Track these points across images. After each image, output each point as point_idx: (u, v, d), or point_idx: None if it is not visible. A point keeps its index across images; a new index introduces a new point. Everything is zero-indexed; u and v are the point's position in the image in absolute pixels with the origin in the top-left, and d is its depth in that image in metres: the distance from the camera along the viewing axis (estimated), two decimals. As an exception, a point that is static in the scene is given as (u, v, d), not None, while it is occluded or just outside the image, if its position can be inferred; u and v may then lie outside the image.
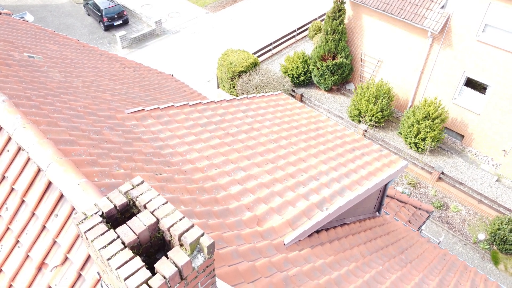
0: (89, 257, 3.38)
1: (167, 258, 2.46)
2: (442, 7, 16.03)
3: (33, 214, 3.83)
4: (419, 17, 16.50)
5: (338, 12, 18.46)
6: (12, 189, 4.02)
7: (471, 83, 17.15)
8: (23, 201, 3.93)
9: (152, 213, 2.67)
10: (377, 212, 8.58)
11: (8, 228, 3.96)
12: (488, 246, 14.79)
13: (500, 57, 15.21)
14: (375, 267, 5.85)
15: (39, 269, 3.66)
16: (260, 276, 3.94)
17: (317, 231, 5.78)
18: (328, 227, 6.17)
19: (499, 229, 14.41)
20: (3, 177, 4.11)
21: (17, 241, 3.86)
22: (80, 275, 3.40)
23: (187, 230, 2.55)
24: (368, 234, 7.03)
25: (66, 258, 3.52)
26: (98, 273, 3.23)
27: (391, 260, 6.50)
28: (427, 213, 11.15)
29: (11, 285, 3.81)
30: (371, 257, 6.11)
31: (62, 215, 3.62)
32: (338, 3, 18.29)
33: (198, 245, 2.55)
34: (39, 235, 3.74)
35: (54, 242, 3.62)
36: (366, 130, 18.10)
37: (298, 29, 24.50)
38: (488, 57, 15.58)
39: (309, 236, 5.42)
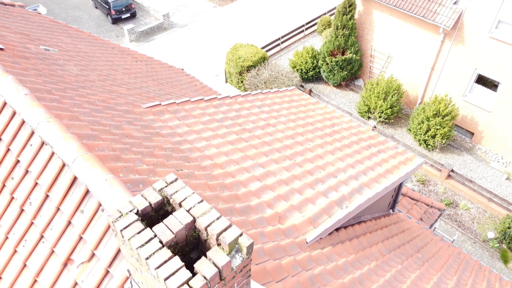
0: (117, 254, 3.34)
1: (206, 257, 2.42)
2: (455, 2, 15.83)
3: (58, 209, 3.79)
4: (431, 13, 16.31)
5: (349, 7, 18.28)
6: (36, 183, 3.99)
7: (482, 80, 16.98)
8: (47, 196, 3.89)
9: (188, 211, 2.62)
10: (390, 210, 8.52)
11: (32, 223, 3.93)
12: (498, 245, 14.71)
13: (513, 54, 15.04)
14: (395, 266, 5.80)
15: (65, 265, 3.63)
16: (287, 275, 3.89)
17: (336, 229, 5.73)
18: (346, 225, 6.12)
19: (509, 228, 14.32)
20: (27, 172, 4.08)
21: (42, 236, 3.83)
22: (108, 272, 3.36)
23: (225, 229, 2.50)
24: (384, 232, 6.98)
25: (93, 255, 3.49)
26: (128, 271, 3.19)
27: (409, 258, 6.44)
28: (439, 211, 11.07)
29: (36, 281, 3.78)
30: (390, 256, 6.06)
31: (88, 211, 3.58)
32: (349, -3, 18.11)
33: (237, 245, 2.50)
34: (64, 231, 3.70)
35: (80, 238, 3.59)
36: (375, 127, 17.99)
37: (307, 23, 24.31)
38: (501, 54, 15.40)
39: (329, 234, 5.37)
